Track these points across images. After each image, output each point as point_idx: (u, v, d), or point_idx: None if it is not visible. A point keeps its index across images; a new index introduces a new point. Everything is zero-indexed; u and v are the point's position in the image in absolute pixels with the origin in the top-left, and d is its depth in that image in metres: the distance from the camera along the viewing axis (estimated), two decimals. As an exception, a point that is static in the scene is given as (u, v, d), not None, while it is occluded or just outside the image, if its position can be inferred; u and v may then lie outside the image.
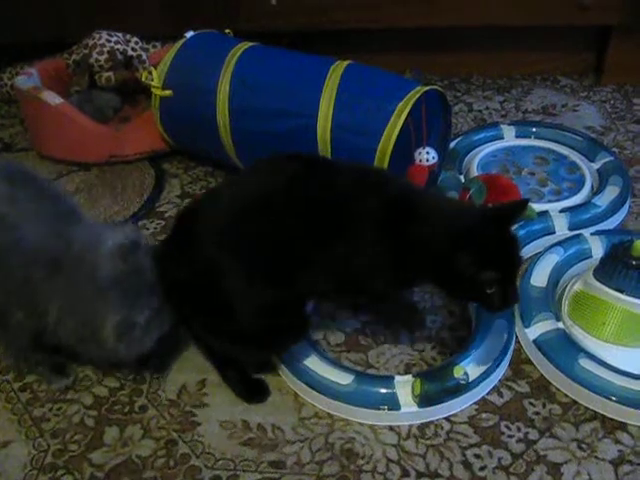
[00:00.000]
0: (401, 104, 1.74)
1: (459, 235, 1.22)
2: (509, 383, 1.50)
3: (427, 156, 1.82)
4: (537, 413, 1.43)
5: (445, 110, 1.93)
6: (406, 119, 1.71)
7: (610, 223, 1.86)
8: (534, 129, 2.21)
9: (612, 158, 2.04)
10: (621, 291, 1.52)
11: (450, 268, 1.23)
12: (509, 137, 2.19)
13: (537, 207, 1.86)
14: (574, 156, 2.10)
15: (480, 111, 2.43)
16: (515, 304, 1.34)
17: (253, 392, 1.48)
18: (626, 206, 1.92)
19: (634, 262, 1.50)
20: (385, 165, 1.70)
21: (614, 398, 1.40)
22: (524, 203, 1.28)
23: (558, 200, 1.93)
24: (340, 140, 1.79)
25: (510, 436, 1.40)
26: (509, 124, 2.23)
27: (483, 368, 1.47)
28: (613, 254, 1.53)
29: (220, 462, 1.38)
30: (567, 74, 2.62)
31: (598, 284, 1.54)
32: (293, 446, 1.37)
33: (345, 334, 1.59)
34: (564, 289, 1.66)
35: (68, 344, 1.40)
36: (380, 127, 1.74)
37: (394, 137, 1.72)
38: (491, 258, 1.22)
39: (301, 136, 1.82)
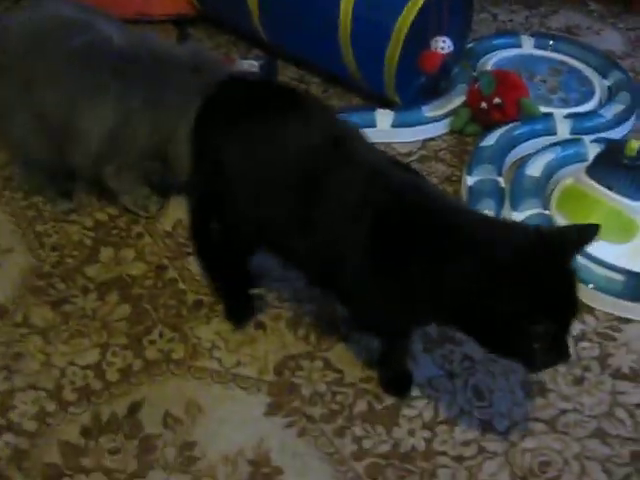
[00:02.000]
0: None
1: (502, 264, 0.93)
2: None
3: (443, 44, 1.86)
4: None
5: (467, 6, 1.98)
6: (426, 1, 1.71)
7: (612, 134, 1.88)
8: (552, 41, 2.23)
9: (624, 77, 2.06)
10: (610, 188, 1.56)
11: (484, 312, 0.94)
12: (527, 47, 2.21)
13: (543, 110, 1.89)
14: (588, 71, 2.12)
15: (504, 22, 2.45)
16: (564, 361, 1.04)
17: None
18: (630, 122, 1.95)
19: (626, 161, 1.54)
20: (400, 43, 1.72)
21: (591, 285, 1.47)
22: (594, 229, 0.99)
23: (565, 107, 1.96)
24: (360, 12, 1.82)
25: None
26: (530, 35, 2.25)
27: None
28: (607, 152, 1.58)
29: (205, 288, 1.42)
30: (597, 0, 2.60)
31: (589, 180, 1.59)
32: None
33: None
34: (556, 185, 1.72)
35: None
36: (400, 3, 1.75)
37: (413, 15, 1.75)
38: (547, 301, 0.93)
39: (323, 5, 1.85)
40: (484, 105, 1.81)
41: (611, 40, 2.39)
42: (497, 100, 1.80)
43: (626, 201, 1.55)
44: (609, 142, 1.57)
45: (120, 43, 1.44)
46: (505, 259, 0.92)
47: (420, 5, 1.73)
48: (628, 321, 1.45)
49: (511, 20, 2.45)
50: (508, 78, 1.84)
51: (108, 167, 1.47)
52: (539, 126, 1.86)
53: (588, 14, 2.51)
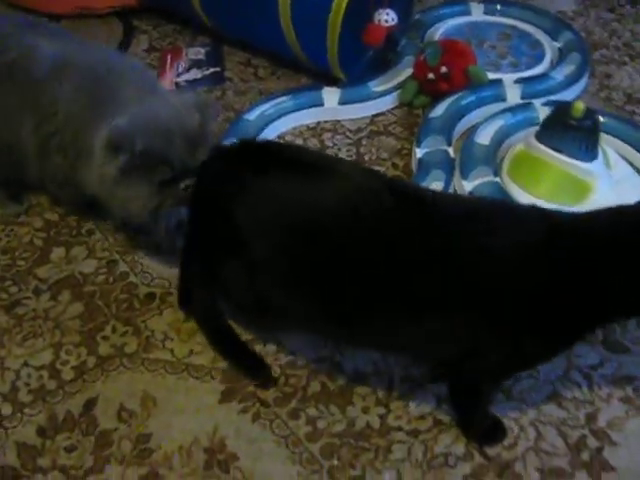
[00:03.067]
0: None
1: None
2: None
3: (387, 17, 1.86)
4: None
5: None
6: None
7: (564, 96, 1.88)
8: (499, 6, 2.22)
9: (575, 37, 2.04)
10: (560, 151, 1.56)
11: None
12: (477, 14, 2.19)
13: (493, 76, 1.87)
14: (538, 34, 2.10)
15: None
16: None
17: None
18: (582, 82, 1.96)
19: (574, 122, 1.54)
20: (340, 17, 1.70)
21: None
22: None
23: (515, 72, 1.95)
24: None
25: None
26: (479, 1, 2.23)
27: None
28: (555, 115, 1.57)
29: (156, 280, 1.42)
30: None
31: (538, 144, 1.59)
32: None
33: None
34: (507, 152, 1.71)
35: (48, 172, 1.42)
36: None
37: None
38: None
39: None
40: (431, 76, 1.81)
41: (564, 1, 2.39)
42: (444, 70, 1.80)
43: (576, 163, 1.55)
44: (556, 105, 1.54)
45: (47, 54, 1.37)
46: None
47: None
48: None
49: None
50: (454, 47, 1.83)
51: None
52: (488, 93, 1.85)
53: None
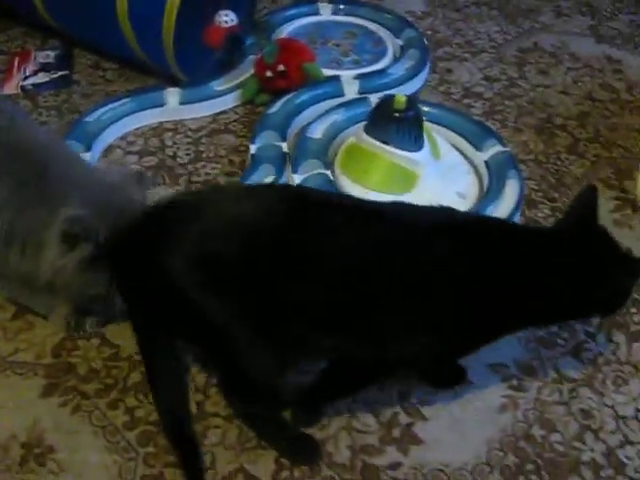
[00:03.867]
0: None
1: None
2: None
3: (226, 18, 1.88)
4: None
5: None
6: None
7: (403, 90, 1.92)
8: (345, 6, 2.28)
9: (416, 35, 2.11)
10: (386, 143, 1.60)
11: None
12: (325, 14, 2.23)
13: (333, 73, 1.94)
14: (382, 32, 2.16)
15: (308, -8, 2.46)
16: None
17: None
18: (421, 77, 2.03)
19: (397, 114, 1.59)
20: (173, 19, 1.73)
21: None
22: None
23: (356, 69, 2.01)
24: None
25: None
26: (328, 2, 2.28)
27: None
28: (379, 108, 1.62)
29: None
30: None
31: (367, 137, 1.63)
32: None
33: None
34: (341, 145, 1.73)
35: None
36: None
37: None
38: None
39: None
40: (269, 74, 1.84)
41: (414, 2, 2.48)
42: (281, 67, 1.83)
43: (403, 153, 1.61)
44: (380, 99, 1.59)
45: None
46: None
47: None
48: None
49: (315, -11, 2.43)
50: (291, 45, 1.87)
51: None
52: (326, 89, 1.89)
53: (393, -22, 2.54)
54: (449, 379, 1.30)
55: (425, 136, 1.64)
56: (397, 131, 1.59)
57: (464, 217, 1.22)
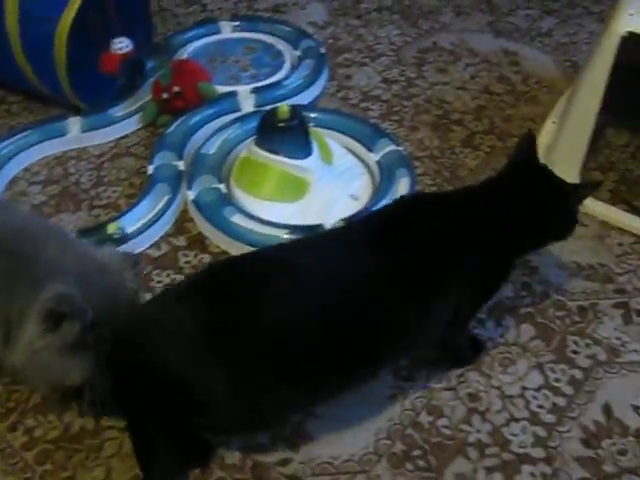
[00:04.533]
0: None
1: None
2: (170, 239, 1.64)
3: (121, 45, 1.92)
4: (188, 262, 1.58)
5: (146, 5, 2.07)
6: (81, 6, 1.79)
7: (299, 100, 2.00)
8: (243, 22, 2.34)
9: (313, 45, 2.17)
10: (275, 152, 1.65)
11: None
12: (226, 32, 2.29)
13: (231, 89, 2.00)
14: (280, 45, 2.22)
15: (212, 11, 2.52)
16: None
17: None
18: (318, 85, 2.08)
19: (281, 124, 1.64)
20: (63, 53, 1.80)
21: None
22: None
23: (253, 83, 2.06)
24: (26, 29, 1.86)
25: (159, 282, 1.57)
26: (229, 20, 2.34)
27: (139, 224, 1.57)
28: (265, 120, 1.67)
29: None
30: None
31: (257, 148, 1.68)
32: None
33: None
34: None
35: None
36: (58, 13, 1.80)
37: (69, 23, 1.80)
38: None
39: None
40: (165, 95, 1.89)
41: (315, 12, 2.53)
42: (176, 89, 1.88)
43: (291, 161, 1.66)
44: (266, 111, 1.64)
45: None
46: None
47: (73, 15, 1.80)
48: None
49: (220, 8, 2.54)
50: (184, 66, 1.93)
51: None
52: (222, 106, 1.93)
53: (296, -9, 2.60)
54: (469, 354, 1.41)
55: (315, 142, 1.67)
56: (284, 140, 1.64)
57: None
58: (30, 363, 1.12)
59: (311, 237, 1.36)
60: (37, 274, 1.12)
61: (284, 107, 1.61)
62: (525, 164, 1.33)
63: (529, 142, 1.34)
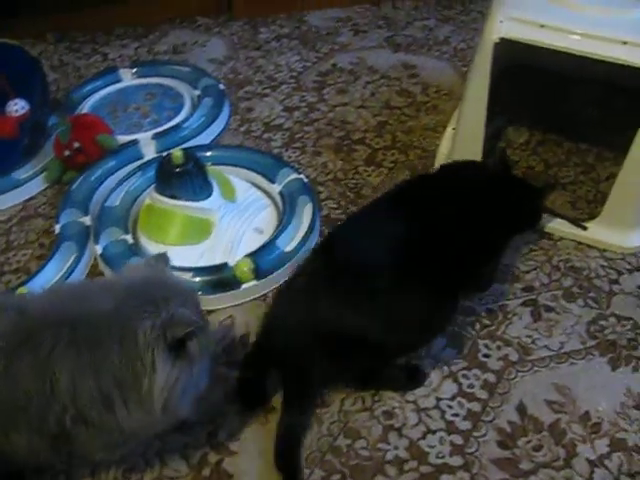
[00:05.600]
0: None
1: None
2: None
3: (16, 107, 1.94)
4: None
5: (38, 67, 2.09)
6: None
7: (201, 140, 2.04)
8: (142, 68, 2.36)
9: (212, 82, 2.20)
10: (176, 198, 1.67)
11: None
12: (127, 79, 2.30)
13: (133, 137, 2.02)
14: (180, 86, 2.24)
15: (114, 59, 2.54)
16: None
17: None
18: (219, 123, 2.12)
19: (177, 169, 1.66)
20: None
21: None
22: None
23: (155, 129, 2.07)
24: None
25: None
26: (129, 67, 2.36)
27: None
28: (161, 167, 1.69)
29: None
30: (204, 13, 2.75)
31: (158, 195, 1.69)
32: None
33: None
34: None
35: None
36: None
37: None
38: None
39: None
40: (67, 152, 1.90)
41: (216, 49, 2.57)
42: (76, 144, 1.89)
43: (192, 204, 1.68)
44: (161, 158, 1.67)
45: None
46: None
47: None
48: (211, 312, 1.58)
49: (120, 56, 2.54)
50: (82, 120, 1.94)
51: None
52: (125, 156, 1.95)
53: (195, 29, 2.64)
54: (409, 381, 1.45)
55: (215, 181, 1.69)
56: (182, 185, 1.67)
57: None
58: (168, 402, 1.11)
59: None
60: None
61: (177, 152, 1.63)
62: (504, 170, 1.57)
63: (503, 154, 1.59)
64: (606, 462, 1.31)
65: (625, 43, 1.47)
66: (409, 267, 1.30)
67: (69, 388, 1.05)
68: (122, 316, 1.08)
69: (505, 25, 1.57)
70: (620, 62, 1.47)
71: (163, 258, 1.24)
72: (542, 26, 1.55)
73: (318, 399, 1.40)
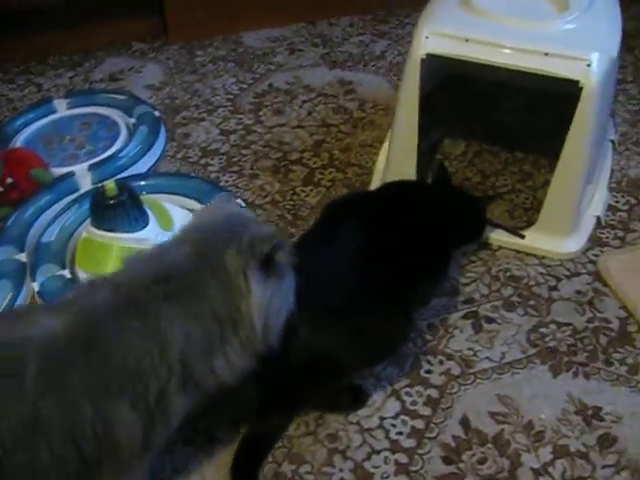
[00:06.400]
0: None
1: None
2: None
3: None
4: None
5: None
6: None
7: (138, 169, 2.02)
8: (74, 98, 2.34)
9: (147, 110, 2.19)
10: (113, 230, 1.66)
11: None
12: (61, 109, 2.27)
13: (68, 169, 2.00)
14: (115, 115, 2.22)
15: (49, 90, 2.51)
16: None
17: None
18: (155, 151, 2.10)
19: (112, 201, 1.64)
20: None
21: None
22: None
23: (90, 159, 2.05)
24: None
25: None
26: (64, 97, 2.34)
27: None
28: (95, 200, 1.67)
29: None
30: (140, 39, 2.74)
31: (94, 229, 1.68)
32: None
33: None
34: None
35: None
36: None
37: None
38: None
39: None
40: (0, 189, 1.86)
41: (152, 74, 2.55)
42: (9, 180, 1.86)
43: (128, 236, 1.66)
44: (95, 191, 1.65)
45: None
46: None
47: None
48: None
49: (56, 86, 2.51)
50: (15, 155, 1.92)
51: None
52: (61, 189, 1.92)
53: (132, 55, 2.62)
54: (352, 402, 1.46)
55: (150, 211, 1.67)
56: (117, 217, 1.65)
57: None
58: (267, 321, 1.14)
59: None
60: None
61: (110, 184, 1.62)
62: (446, 184, 1.68)
63: (442, 168, 1.70)
64: (550, 470, 1.33)
65: (547, 54, 1.47)
66: (363, 285, 1.32)
67: (178, 340, 1.07)
68: (207, 252, 1.12)
69: (431, 40, 1.58)
70: (543, 73, 1.47)
71: (227, 197, 1.40)
72: (467, 40, 1.55)
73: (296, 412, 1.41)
